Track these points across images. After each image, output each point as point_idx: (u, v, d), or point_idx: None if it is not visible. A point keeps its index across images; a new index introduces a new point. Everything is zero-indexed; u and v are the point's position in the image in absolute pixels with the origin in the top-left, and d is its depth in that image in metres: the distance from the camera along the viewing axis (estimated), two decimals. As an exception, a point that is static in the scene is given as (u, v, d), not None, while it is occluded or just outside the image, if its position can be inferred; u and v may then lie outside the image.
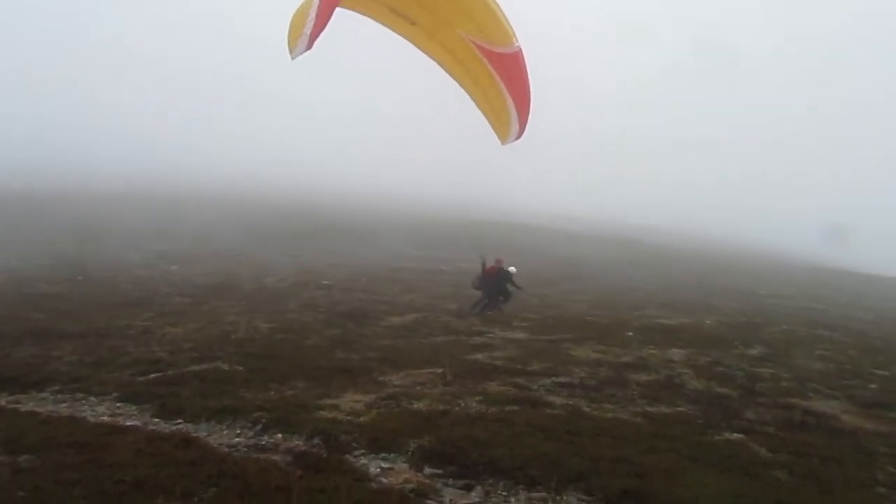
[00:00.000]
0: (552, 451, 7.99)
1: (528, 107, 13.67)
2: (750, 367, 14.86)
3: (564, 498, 6.85)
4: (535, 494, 6.93)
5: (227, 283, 26.25)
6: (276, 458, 7.56)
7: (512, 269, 21.94)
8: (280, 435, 8.42)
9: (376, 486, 6.84)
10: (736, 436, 9.48)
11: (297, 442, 8.20)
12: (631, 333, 18.66)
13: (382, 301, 23.16)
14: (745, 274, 49.75)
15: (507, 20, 12.07)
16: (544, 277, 35.80)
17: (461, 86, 13.27)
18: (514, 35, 12.18)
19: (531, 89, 12.76)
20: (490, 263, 21.61)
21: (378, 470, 7.40)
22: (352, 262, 37.33)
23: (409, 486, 6.90)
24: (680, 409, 10.97)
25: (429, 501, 6.52)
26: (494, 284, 21.63)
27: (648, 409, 10.85)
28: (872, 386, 14.12)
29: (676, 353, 15.98)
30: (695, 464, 8.01)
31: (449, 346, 15.59)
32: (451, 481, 7.18)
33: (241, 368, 12.14)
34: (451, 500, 6.65)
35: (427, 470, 7.43)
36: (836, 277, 57.68)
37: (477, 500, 6.71)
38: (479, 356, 14.48)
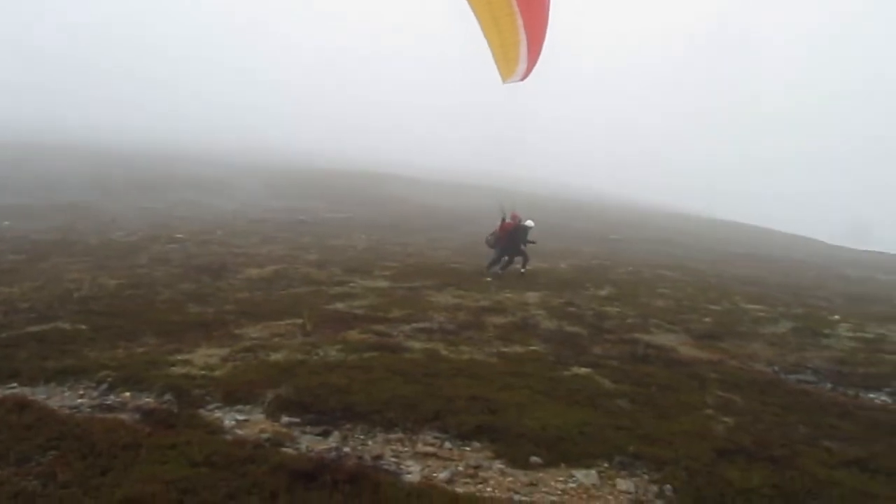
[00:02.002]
0: (410, 393, 8.24)
1: (541, 48, 13.13)
2: (599, 307, 15.89)
3: (420, 437, 7.13)
4: (392, 436, 7.15)
5: (68, 238, 24.43)
6: (123, 416, 7.27)
7: (530, 222, 20.18)
8: (128, 393, 8.09)
9: (231, 437, 6.79)
10: (584, 370, 10.18)
11: (146, 399, 7.93)
12: (489, 279, 19.30)
13: (240, 253, 22.51)
14: (600, 220, 52.53)
15: None
16: (407, 225, 36.15)
17: (473, 9, 12.17)
18: None
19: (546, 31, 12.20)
20: (507, 219, 20.01)
21: (233, 422, 7.33)
22: (207, 214, 35.83)
23: (265, 435, 6.91)
24: (533, 348, 11.60)
25: (285, 449, 6.56)
26: (510, 241, 20.01)
27: (504, 349, 11.39)
28: (706, 320, 15.56)
29: (532, 296, 16.76)
30: (545, 398, 8.55)
31: (309, 296, 15.49)
32: (308, 428, 7.25)
33: (84, 327, 11.47)
34: (308, 447, 6.73)
35: (284, 419, 7.45)
36: (687, 223, 62.12)
37: (334, 444, 6.84)
38: (340, 305, 14.51)
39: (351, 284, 17.44)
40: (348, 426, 7.35)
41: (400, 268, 20.97)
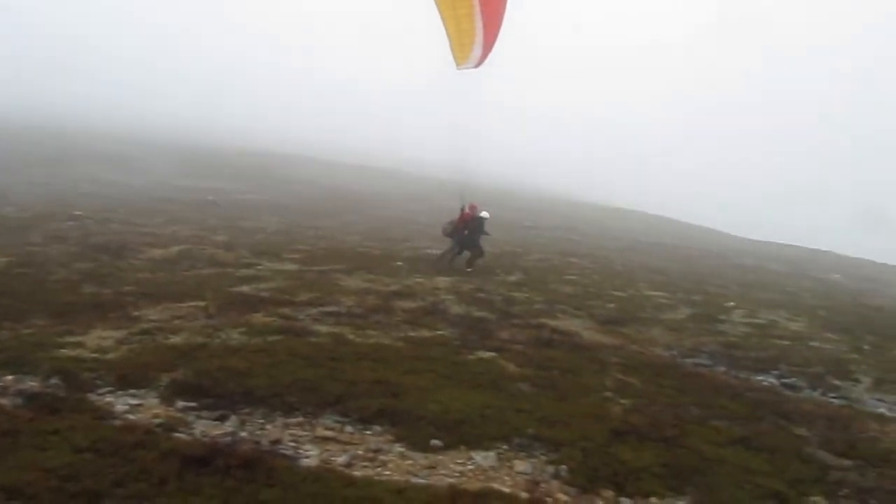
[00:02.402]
0: (312, 377, 8.14)
1: (496, 35, 13.12)
2: (508, 293, 16.13)
3: (321, 421, 7.06)
4: (292, 420, 7.05)
5: (-54, 214, 22.89)
6: (3, 401, 6.88)
7: (485, 213, 19.63)
8: (11, 377, 7.65)
9: (120, 423, 6.53)
10: (489, 354, 10.31)
11: (30, 383, 7.50)
12: (401, 263, 19.29)
13: (143, 233, 21.60)
14: (515, 208, 53.23)
15: None
16: (320, 209, 35.65)
17: None
18: None
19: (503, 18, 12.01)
20: (467, 209, 19.40)
21: (125, 407, 7.05)
22: (110, 191, 34.17)
23: (158, 420, 6.68)
24: (440, 332, 11.66)
25: (178, 434, 6.37)
26: (468, 233, 19.44)
27: (411, 333, 11.40)
28: (610, 305, 16.04)
29: (442, 281, 16.84)
30: (449, 381, 8.61)
31: (214, 278, 15.04)
32: (204, 413, 7.06)
33: (-38, 308, 10.78)
34: (202, 432, 6.55)
35: (179, 404, 7.22)
36: (597, 212, 63.75)
37: (231, 429, 6.68)
38: (246, 288, 14.17)
39: (259, 267, 17.06)
40: (247, 411, 7.20)
41: (310, 251, 20.65)
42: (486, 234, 19.92)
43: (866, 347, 14.31)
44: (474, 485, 5.98)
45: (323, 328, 11.17)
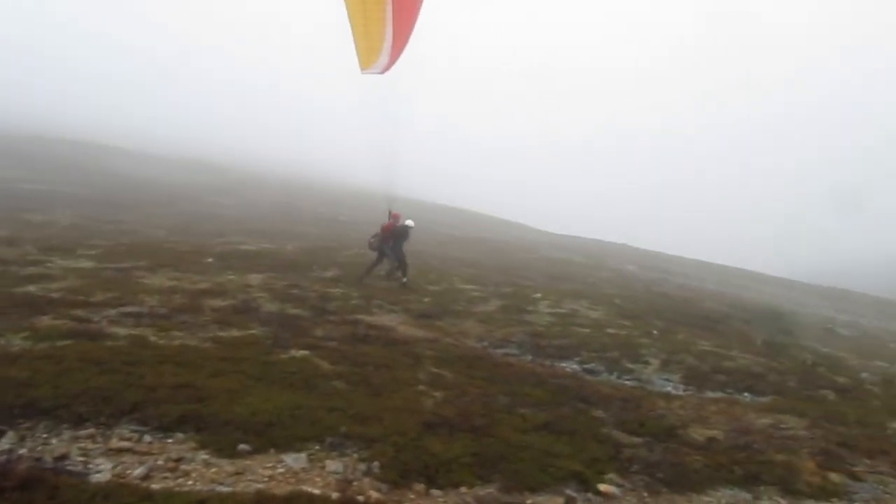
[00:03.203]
0: (106, 384, 7.51)
1: (406, 42, 12.75)
2: (324, 289, 15.93)
3: (115, 431, 6.53)
4: (81, 432, 6.46)
5: None
6: None
7: (410, 222, 18.93)
8: None
9: None
10: (302, 353, 10.10)
11: None
12: (211, 259, 18.45)
13: None
14: (331, 202, 52.74)
15: None
16: (125, 201, 33.22)
17: None
18: None
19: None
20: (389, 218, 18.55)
21: None
22: None
23: (-87, 445, 5.85)
24: (252, 331, 11.25)
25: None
26: (392, 244, 18.68)
27: (220, 333, 10.90)
28: (426, 300, 16.35)
29: (255, 278, 16.31)
30: (259, 382, 8.32)
31: (-7, 278, 13.52)
32: (-27, 432, 6.28)
33: None
34: (-32, 454, 5.82)
35: (-61, 424, 6.38)
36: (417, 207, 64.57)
37: (7, 446, 5.99)
38: (32, 288, 12.85)
39: (48, 264, 15.55)
40: (27, 424, 6.49)
41: (110, 246, 19.18)
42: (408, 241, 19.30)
43: (655, 332, 15.69)
44: (283, 489, 5.81)
45: (121, 331, 10.38)
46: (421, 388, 9.18)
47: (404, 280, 18.46)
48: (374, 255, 18.97)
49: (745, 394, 11.73)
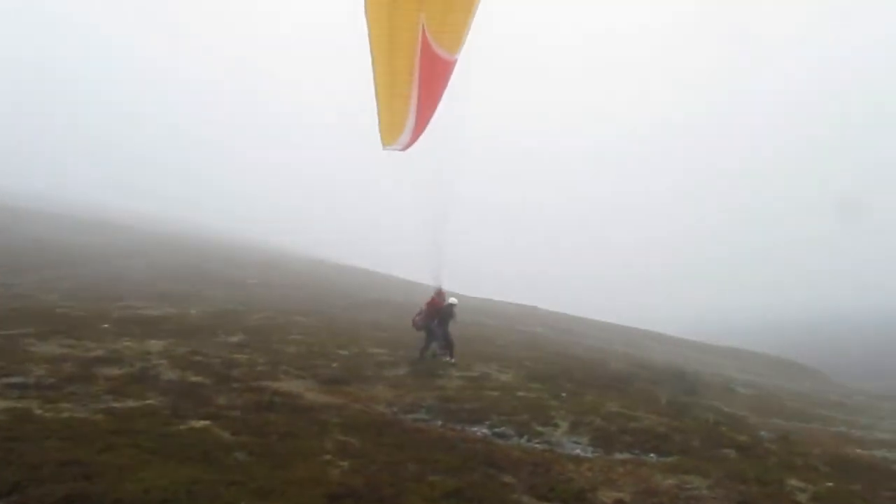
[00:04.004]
0: (-19, 464, 6.95)
1: (428, 121, 12.84)
2: (228, 354, 15.40)
3: (-11, 516, 6.01)
4: (-50, 520, 5.92)
5: None
6: None
7: (454, 300, 18.07)
8: None
9: None
10: (202, 423, 9.67)
11: None
12: (107, 325, 17.59)
13: None
14: (238, 265, 51.52)
15: (468, 29, 11.56)
16: (17, 265, 31.49)
17: (374, 65, 12.18)
18: (461, 47, 11.71)
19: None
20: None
21: None
22: None
23: None
24: (149, 401, 10.72)
25: None
26: (437, 322, 17.81)
27: (114, 404, 10.34)
28: (334, 365, 16.04)
29: (155, 345, 15.62)
30: (154, 456, 7.89)
31: None
32: None
33: None
34: None
35: None
36: (330, 269, 63.85)
37: None
38: None
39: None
40: None
41: (-5, 313, 18.02)
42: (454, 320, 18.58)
43: (564, 394, 15.84)
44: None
45: (2, 403, 9.68)
46: (327, 457, 8.91)
47: (452, 360, 17.94)
48: (421, 334, 18.37)
49: (651, 454, 11.92)
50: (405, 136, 13.06)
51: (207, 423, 9.70)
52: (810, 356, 57.61)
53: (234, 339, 17.95)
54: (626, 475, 10.12)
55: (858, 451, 15.53)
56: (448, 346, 18.17)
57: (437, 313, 17.87)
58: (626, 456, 11.66)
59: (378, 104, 12.88)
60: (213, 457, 8.18)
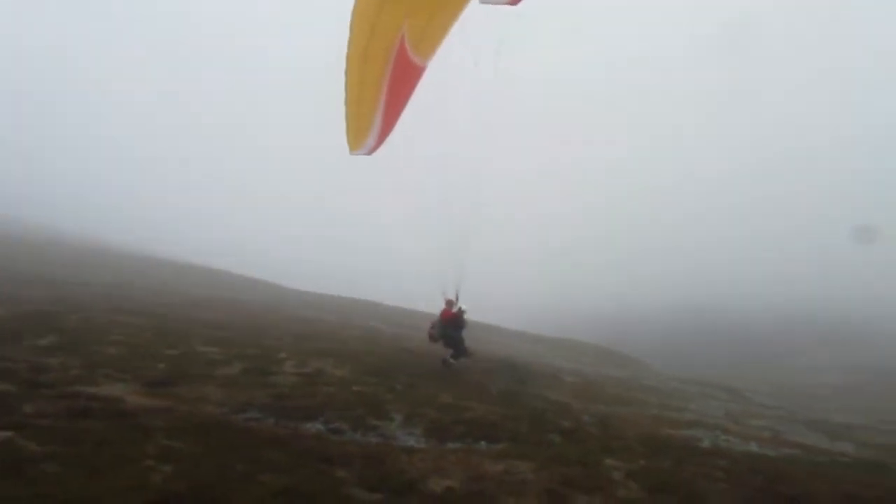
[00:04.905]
0: None
1: (393, 126, 13.26)
2: (37, 359, 14.21)
3: None
4: None
5: None
6: None
7: (464, 306, 18.10)
8: None
9: None
10: (5, 434, 8.86)
11: None
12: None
13: None
14: (59, 263, 47.65)
15: (444, 38, 12.01)
16: None
17: (347, 74, 12.55)
18: (434, 54, 12.27)
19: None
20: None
21: None
22: None
23: None
24: (-60, 413, 9.68)
25: None
26: (453, 329, 17.94)
27: None
28: (161, 365, 15.28)
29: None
30: (-54, 473, 7.16)
31: None
32: None
33: None
34: None
35: None
36: (163, 267, 60.43)
37: None
38: None
39: None
40: None
41: None
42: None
43: (399, 387, 16.09)
44: None
45: None
46: (149, 462, 8.49)
47: (452, 361, 18.60)
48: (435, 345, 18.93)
49: (482, 442, 12.39)
50: (371, 140, 13.35)
51: (9, 434, 8.89)
52: (637, 347, 62.41)
53: (44, 341, 16.56)
54: (456, 463, 10.47)
55: (669, 431, 16.97)
56: (459, 350, 18.98)
57: (454, 322, 18.42)
58: (457, 445, 12.05)
59: (346, 111, 13.17)
60: (18, 470, 7.55)
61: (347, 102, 13.21)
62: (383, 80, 12.79)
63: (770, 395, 38.03)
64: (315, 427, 12.07)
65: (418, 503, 8.29)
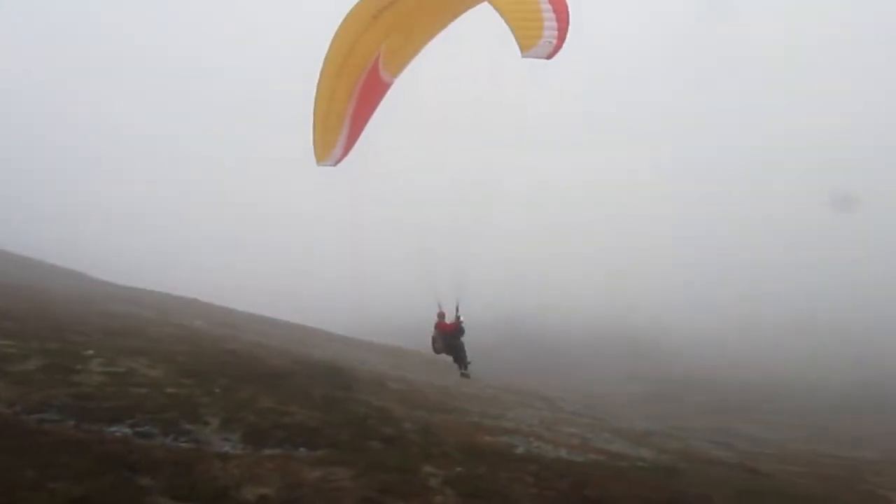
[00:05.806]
0: None
1: (357, 138, 13.45)
2: None
3: None
4: None
5: None
6: None
7: (460, 315, 16.79)
8: None
9: None
10: None
11: None
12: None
13: None
14: None
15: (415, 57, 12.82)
16: None
17: (319, 88, 12.99)
18: (401, 72, 12.85)
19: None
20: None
21: None
22: None
23: None
24: None
25: None
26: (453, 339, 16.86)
27: None
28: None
29: None
30: None
31: None
32: None
33: None
34: None
35: None
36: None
37: None
38: None
39: None
40: None
41: None
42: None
43: (217, 390, 15.41)
44: None
45: None
46: None
47: (466, 372, 17.66)
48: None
49: (302, 448, 12.16)
50: (337, 151, 13.57)
51: None
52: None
53: None
54: (273, 470, 10.19)
55: (487, 438, 17.56)
56: (462, 360, 18.36)
57: (456, 331, 17.84)
58: (276, 451, 11.74)
59: (315, 123, 13.38)
60: None
61: (316, 115, 13.54)
62: (353, 95, 13.33)
63: (581, 404, 40.42)
64: (121, 430, 11.28)
65: (230, 512, 7.96)
